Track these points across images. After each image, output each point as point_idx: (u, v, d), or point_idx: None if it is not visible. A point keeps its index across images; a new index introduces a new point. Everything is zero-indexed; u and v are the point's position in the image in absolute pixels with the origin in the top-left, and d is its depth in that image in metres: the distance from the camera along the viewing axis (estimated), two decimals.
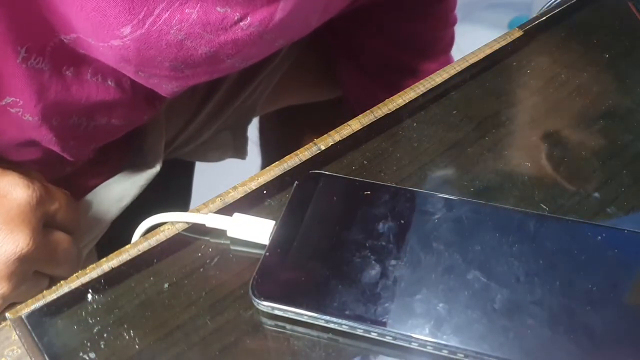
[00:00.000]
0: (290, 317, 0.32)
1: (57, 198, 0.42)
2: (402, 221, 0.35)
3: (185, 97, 0.60)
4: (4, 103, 0.38)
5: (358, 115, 0.42)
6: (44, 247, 0.40)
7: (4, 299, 0.39)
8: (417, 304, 0.32)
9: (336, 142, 0.41)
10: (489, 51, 0.46)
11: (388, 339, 0.31)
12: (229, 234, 0.36)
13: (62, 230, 0.42)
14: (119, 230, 0.42)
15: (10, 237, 0.38)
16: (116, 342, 0.33)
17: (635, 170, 0.39)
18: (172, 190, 0.73)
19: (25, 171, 0.41)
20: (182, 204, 0.75)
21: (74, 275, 0.36)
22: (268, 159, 0.85)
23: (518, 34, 0.48)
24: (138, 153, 0.55)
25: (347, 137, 0.41)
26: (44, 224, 0.41)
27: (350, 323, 0.31)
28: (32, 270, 0.40)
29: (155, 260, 0.36)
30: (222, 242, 0.37)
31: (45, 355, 0.33)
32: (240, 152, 0.71)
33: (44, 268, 0.41)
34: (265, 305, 0.32)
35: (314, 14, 0.43)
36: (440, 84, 0.44)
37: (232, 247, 0.36)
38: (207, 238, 0.37)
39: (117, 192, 0.53)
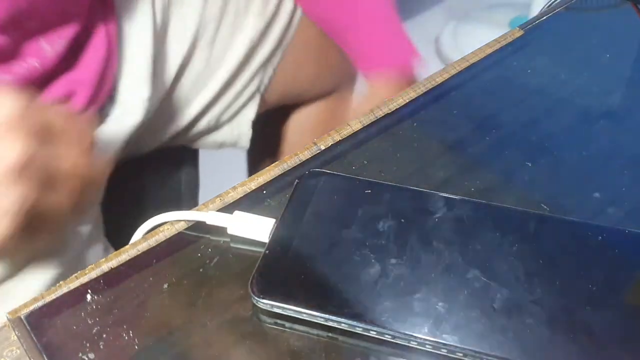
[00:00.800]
0: (290, 315, 0.32)
1: (49, 109, 0.38)
2: (402, 220, 0.35)
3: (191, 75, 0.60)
4: None
5: None
6: (43, 147, 0.37)
7: (24, 204, 0.36)
8: (417, 303, 0.32)
9: (336, 142, 0.41)
10: (489, 51, 0.46)
11: (387, 338, 0.31)
12: (229, 231, 0.36)
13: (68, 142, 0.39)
14: (129, 227, 0.41)
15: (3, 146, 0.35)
16: (115, 342, 0.33)
17: (635, 170, 0.39)
18: (177, 189, 0.73)
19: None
20: (191, 203, 0.76)
21: (73, 275, 0.35)
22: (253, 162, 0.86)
23: (518, 34, 0.48)
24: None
25: (347, 137, 0.41)
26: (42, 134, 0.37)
27: (350, 321, 0.31)
28: (40, 172, 0.37)
29: (154, 261, 0.36)
30: (222, 242, 0.37)
31: (45, 355, 0.33)
32: (241, 141, 0.71)
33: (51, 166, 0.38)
34: (264, 303, 0.32)
35: None
36: (440, 84, 0.44)
37: (232, 246, 0.36)
38: (206, 238, 0.37)
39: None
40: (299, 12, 0.68)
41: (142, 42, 0.57)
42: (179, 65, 0.61)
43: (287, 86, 0.72)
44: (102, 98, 0.54)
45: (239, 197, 0.39)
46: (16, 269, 0.49)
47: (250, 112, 0.69)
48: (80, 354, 0.33)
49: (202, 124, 0.67)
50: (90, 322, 0.34)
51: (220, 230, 0.37)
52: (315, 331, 0.33)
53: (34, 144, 0.36)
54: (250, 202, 0.38)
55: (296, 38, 0.69)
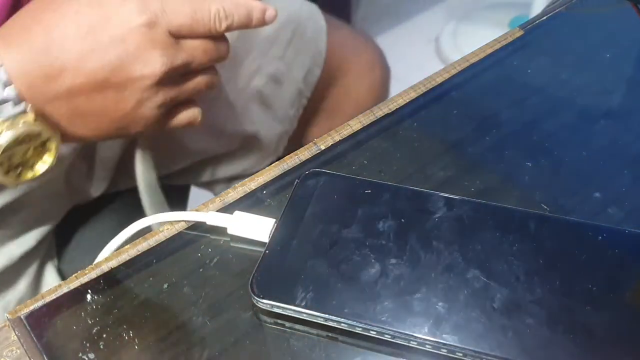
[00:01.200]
0: (290, 315, 0.32)
1: (176, 12, 0.41)
2: (402, 220, 0.35)
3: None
4: None
5: None
6: (179, 57, 0.42)
7: (164, 103, 0.43)
8: (417, 303, 0.32)
9: (336, 142, 0.41)
10: (489, 51, 0.46)
11: (387, 338, 0.31)
12: (229, 231, 0.36)
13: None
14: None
15: (144, 61, 0.40)
16: (115, 342, 0.33)
17: (635, 170, 0.39)
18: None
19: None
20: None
21: (73, 275, 0.36)
22: None
23: (518, 33, 0.48)
24: None
25: (347, 137, 0.41)
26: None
27: (350, 321, 0.31)
28: (176, 78, 0.43)
29: (154, 261, 0.36)
30: (222, 242, 0.37)
31: (45, 355, 0.33)
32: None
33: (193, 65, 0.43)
34: (264, 303, 0.32)
35: None
36: (440, 84, 0.44)
37: (232, 245, 0.36)
38: (206, 238, 0.37)
39: None
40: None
41: None
42: None
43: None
44: None
45: (239, 197, 0.39)
46: None
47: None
48: (80, 354, 0.33)
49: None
50: (90, 322, 0.34)
51: (220, 230, 0.37)
52: (315, 331, 0.33)
53: (172, 53, 0.41)
54: (250, 202, 0.38)
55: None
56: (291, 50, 0.65)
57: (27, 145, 0.40)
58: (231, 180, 0.70)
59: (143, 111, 0.42)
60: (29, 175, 0.42)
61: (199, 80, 0.45)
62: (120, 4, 0.40)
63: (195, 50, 0.42)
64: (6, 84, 0.38)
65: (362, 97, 0.74)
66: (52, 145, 0.41)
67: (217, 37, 0.44)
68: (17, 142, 0.39)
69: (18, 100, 0.39)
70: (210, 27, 0.42)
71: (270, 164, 0.69)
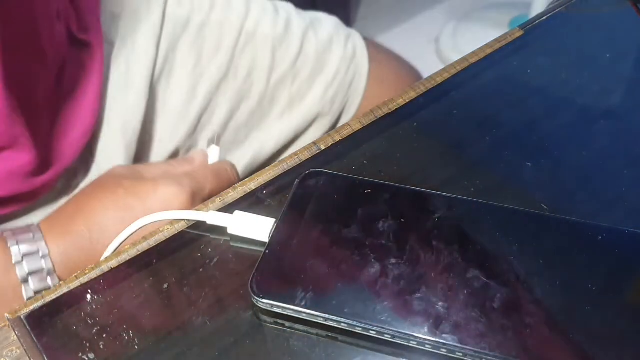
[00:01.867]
0: (290, 314, 0.32)
1: (206, 182, 0.50)
2: (402, 220, 0.35)
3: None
4: None
5: None
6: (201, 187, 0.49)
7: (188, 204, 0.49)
8: (417, 303, 0.32)
9: (336, 142, 0.41)
10: (489, 51, 0.46)
11: (387, 338, 0.31)
12: (229, 231, 0.36)
13: None
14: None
15: None
16: (116, 342, 0.33)
17: (635, 170, 0.39)
18: None
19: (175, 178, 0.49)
20: None
21: (73, 275, 0.35)
22: None
23: (518, 33, 0.48)
24: None
25: (347, 137, 0.41)
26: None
27: (350, 321, 0.31)
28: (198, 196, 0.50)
29: (154, 260, 0.36)
30: (222, 242, 0.37)
31: (45, 355, 0.33)
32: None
33: None
34: (264, 303, 0.32)
35: None
36: (440, 84, 0.44)
37: (232, 245, 0.36)
38: (206, 238, 0.37)
39: None
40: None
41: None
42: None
43: None
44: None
45: (239, 197, 0.39)
46: None
47: None
48: (80, 354, 0.33)
49: None
50: (90, 322, 0.34)
51: (221, 230, 0.37)
52: (315, 331, 0.33)
53: (199, 187, 0.49)
54: (250, 202, 0.38)
55: None
56: (328, 97, 0.65)
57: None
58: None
59: None
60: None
61: None
62: (155, 187, 0.46)
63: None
64: (49, 273, 0.43)
65: None
66: None
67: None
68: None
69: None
70: (231, 181, 0.52)
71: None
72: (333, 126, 0.67)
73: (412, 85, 0.44)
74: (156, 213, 0.37)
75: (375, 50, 0.69)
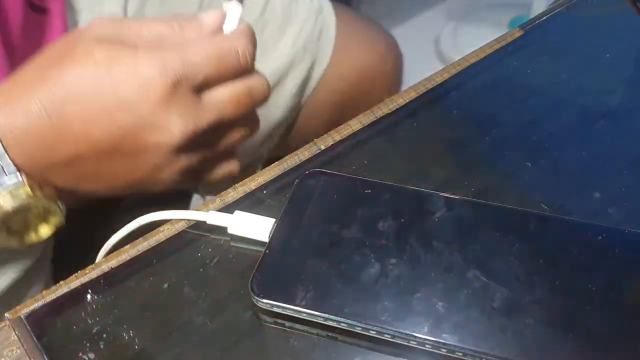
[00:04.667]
0: (290, 314, 0.32)
1: (202, 65, 0.37)
2: (402, 219, 0.35)
3: None
4: None
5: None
6: (204, 118, 0.37)
7: (187, 176, 0.39)
8: (416, 303, 0.32)
9: (336, 142, 0.41)
10: (489, 51, 0.46)
11: (387, 337, 0.31)
12: (229, 231, 0.36)
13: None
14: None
15: (160, 127, 0.36)
16: (116, 342, 0.33)
17: (635, 170, 0.39)
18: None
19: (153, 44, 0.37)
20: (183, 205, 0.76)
21: (73, 275, 0.36)
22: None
23: (518, 33, 0.48)
24: None
25: (347, 136, 0.41)
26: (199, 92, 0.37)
27: (349, 321, 0.31)
28: (203, 140, 0.38)
29: (154, 261, 0.36)
30: (222, 242, 0.37)
31: (45, 355, 0.33)
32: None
33: (216, 136, 0.39)
34: (264, 303, 0.32)
35: None
36: (440, 84, 0.44)
37: (232, 245, 0.36)
38: (206, 238, 0.37)
39: None
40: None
41: None
42: None
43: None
44: None
45: (239, 197, 0.39)
46: None
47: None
48: (80, 354, 0.33)
49: None
50: (90, 322, 0.34)
51: (221, 230, 0.37)
52: (315, 331, 0.33)
53: (195, 119, 0.37)
54: (250, 202, 0.38)
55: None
56: (298, 45, 0.65)
57: (25, 214, 0.37)
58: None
59: (162, 177, 0.39)
60: (34, 238, 0.39)
61: (234, 136, 0.40)
62: (134, 64, 0.36)
63: (224, 104, 0.38)
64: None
65: (381, 88, 0.73)
66: (54, 213, 0.38)
67: (250, 77, 0.39)
68: (13, 213, 0.36)
69: (13, 171, 0.36)
70: (237, 71, 0.38)
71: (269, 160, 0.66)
72: (308, 75, 0.66)
73: (413, 85, 0.44)
74: (155, 213, 0.37)
75: (343, 9, 0.70)
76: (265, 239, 0.35)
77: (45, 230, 0.39)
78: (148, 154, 0.37)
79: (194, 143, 0.38)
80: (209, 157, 0.40)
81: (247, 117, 0.40)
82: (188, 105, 0.36)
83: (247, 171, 0.69)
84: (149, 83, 0.35)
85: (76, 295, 0.35)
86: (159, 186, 0.40)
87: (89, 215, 0.63)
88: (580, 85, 0.45)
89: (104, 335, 0.33)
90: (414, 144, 0.41)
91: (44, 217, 0.39)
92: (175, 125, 0.36)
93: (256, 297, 0.32)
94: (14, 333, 0.33)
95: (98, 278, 0.35)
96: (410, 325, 0.31)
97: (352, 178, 0.37)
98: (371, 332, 0.31)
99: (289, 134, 0.70)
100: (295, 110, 0.68)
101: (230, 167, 0.43)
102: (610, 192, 0.38)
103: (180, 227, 0.37)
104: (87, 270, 0.36)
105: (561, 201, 0.38)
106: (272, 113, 0.65)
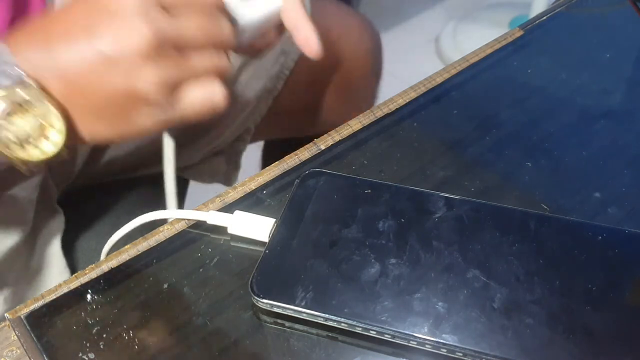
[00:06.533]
0: (289, 314, 0.32)
1: (189, 24, 0.37)
2: (402, 220, 0.35)
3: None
4: None
5: None
6: (167, 28, 0.37)
7: (163, 84, 0.37)
8: (417, 303, 0.32)
9: (336, 142, 0.41)
10: (489, 51, 0.46)
11: (387, 337, 0.31)
12: (229, 231, 0.36)
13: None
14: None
15: (126, 33, 0.36)
16: (116, 342, 0.33)
17: (635, 170, 0.39)
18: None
19: None
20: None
21: (73, 275, 0.36)
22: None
23: (518, 33, 0.48)
24: None
25: (347, 137, 0.41)
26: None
27: (349, 321, 0.31)
28: (170, 51, 0.37)
29: (154, 261, 0.36)
30: (222, 242, 0.37)
31: (45, 355, 0.33)
32: (229, 179, 0.72)
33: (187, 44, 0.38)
34: (264, 303, 0.32)
35: None
36: (440, 84, 0.44)
37: (232, 245, 0.36)
38: (206, 238, 0.37)
39: None
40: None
41: None
42: None
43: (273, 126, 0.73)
44: None
45: (239, 196, 0.39)
46: None
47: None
48: (80, 354, 0.33)
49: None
50: (90, 322, 0.34)
51: (221, 230, 0.37)
52: (315, 331, 0.33)
53: (161, 20, 0.36)
54: (250, 202, 0.38)
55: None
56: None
57: (28, 119, 0.36)
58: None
59: (138, 87, 0.37)
60: (37, 153, 0.38)
61: (204, 60, 0.39)
62: (116, 23, 0.36)
63: (189, 23, 0.38)
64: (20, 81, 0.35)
65: (360, 63, 0.73)
66: (56, 123, 0.37)
67: (217, 16, 0.39)
68: (15, 110, 0.36)
69: (13, 62, 0.35)
70: (225, 40, 0.39)
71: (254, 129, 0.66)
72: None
73: (413, 85, 0.44)
74: (155, 212, 0.37)
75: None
76: (265, 239, 0.35)
77: (48, 147, 0.38)
78: (123, 57, 0.36)
79: (163, 51, 0.37)
80: (181, 76, 0.39)
81: (219, 53, 0.40)
82: (156, 11, 0.36)
83: (236, 145, 0.69)
84: (129, 40, 0.36)
85: (76, 295, 0.35)
86: (141, 108, 0.38)
87: (90, 213, 0.62)
88: (580, 85, 0.45)
89: (104, 335, 0.33)
90: (414, 144, 0.41)
91: (43, 133, 0.37)
92: (143, 28, 0.36)
93: (256, 297, 0.32)
94: (14, 333, 0.33)
95: (98, 278, 0.35)
96: (410, 325, 0.31)
97: (352, 178, 0.37)
98: (371, 332, 0.31)
99: (276, 106, 0.69)
100: (279, 80, 0.68)
101: (212, 88, 0.40)
102: (610, 192, 0.38)
103: (180, 227, 0.37)
104: (87, 270, 0.36)
105: (561, 201, 0.38)
106: (255, 81, 0.65)
